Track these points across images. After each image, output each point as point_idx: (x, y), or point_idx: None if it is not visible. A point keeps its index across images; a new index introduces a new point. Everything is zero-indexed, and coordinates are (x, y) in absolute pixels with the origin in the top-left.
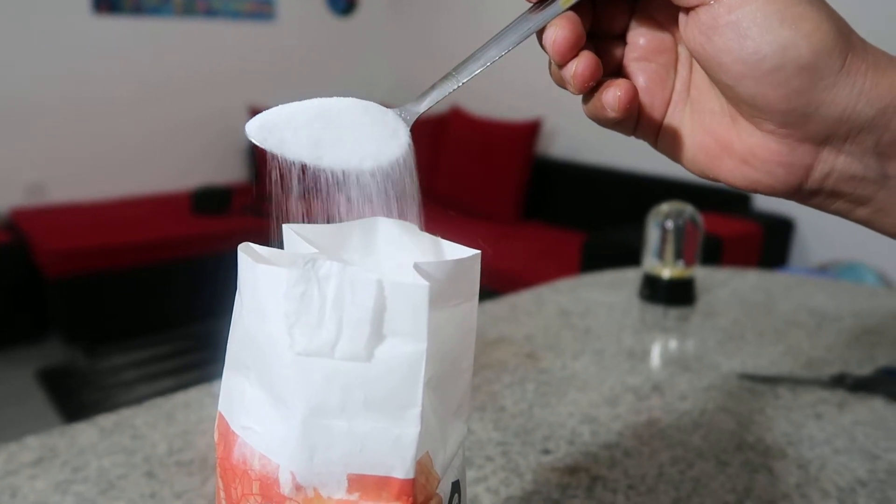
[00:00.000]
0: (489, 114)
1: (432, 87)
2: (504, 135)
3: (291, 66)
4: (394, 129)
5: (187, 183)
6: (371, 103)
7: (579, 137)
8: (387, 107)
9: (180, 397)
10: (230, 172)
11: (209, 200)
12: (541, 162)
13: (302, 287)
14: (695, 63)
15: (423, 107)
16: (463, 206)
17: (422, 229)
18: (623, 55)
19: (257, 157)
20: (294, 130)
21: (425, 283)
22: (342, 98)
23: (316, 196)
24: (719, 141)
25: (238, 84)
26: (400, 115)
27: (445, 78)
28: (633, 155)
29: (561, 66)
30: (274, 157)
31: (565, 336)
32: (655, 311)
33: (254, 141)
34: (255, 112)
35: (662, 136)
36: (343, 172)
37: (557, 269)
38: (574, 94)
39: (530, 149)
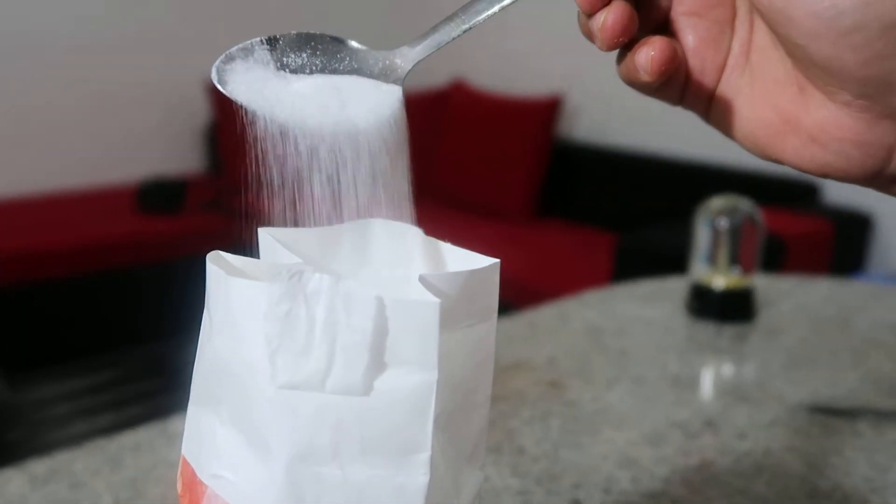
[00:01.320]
0: (499, 88)
1: (432, 30)
2: (517, 114)
3: (257, 30)
4: (383, 75)
5: (131, 174)
6: (354, 43)
7: (609, 116)
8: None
9: (128, 438)
10: (184, 161)
11: (158, 195)
12: (562, 146)
13: (286, 305)
14: (756, 20)
15: (418, 52)
16: (466, 202)
17: (417, 226)
18: (669, 8)
19: (219, 140)
20: (263, 67)
21: (435, 299)
22: (323, 34)
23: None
24: (783, 114)
25: (193, 51)
26: (391, 61)
27: (449, 19)
28: (676, 137)
29: (589, 15)
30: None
31: (596, 360)
32: (706, 329)
33: (217, 84)
34: (213, 87)
35: (715, 107)
36: (310, 130)
37: (584, 278)
38: (602, 50)
39: (549, 130)
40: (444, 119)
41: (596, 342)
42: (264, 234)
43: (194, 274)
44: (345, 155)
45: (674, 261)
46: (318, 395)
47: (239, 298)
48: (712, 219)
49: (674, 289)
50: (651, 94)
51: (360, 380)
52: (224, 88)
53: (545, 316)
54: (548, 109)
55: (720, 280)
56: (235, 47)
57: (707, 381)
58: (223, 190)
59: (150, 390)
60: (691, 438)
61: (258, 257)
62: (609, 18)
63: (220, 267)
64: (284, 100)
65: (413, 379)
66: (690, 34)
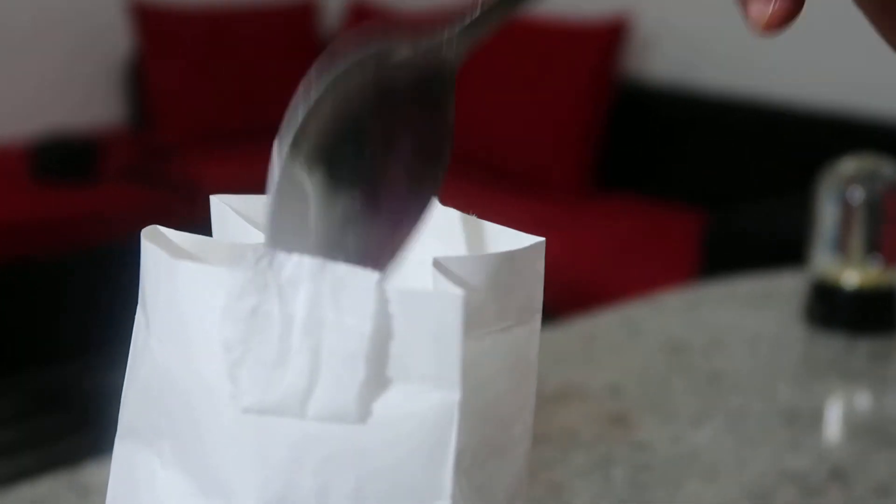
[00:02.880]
0: (538, 11)
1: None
2: (565, 46)
3: None
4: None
5: (22, 129)
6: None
7: (695, 47)
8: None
9: (26, 493)
10: (96, 111)
11: (60, 159)
12: (629, 92)
13: (252, 299)
14: None
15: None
16: (495, 171)
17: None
18: None
19: (145, 82)
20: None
21: (458, 290)
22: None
23: None
24: None
25: None
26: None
27: None
28: (789, 76)
29: None
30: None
31: (677, 387)
32: (832, 344)
33: None
34: (137, 9)
35: None
36: None
37: (660, 274)
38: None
39: (611, 69)
40: (469, 64)
41: (677, 362)
42: (218, 203)
43: (112, 265)
44: None
45: (787, 249)
46: (298, 423)
47: (188, 290)
48: (842, 189)
49: (787, 288)
50: None
51: (353, 402)
52: None
53: (606, 326)
54: (608, 39)
55: (853, 276)
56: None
57: (834, 417)
58: (150, 151)
59: (53, 428)
60: (812, 495)
61: (212, 234)
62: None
63: (158, 247)
64: None
65: (427, 401)
66: None
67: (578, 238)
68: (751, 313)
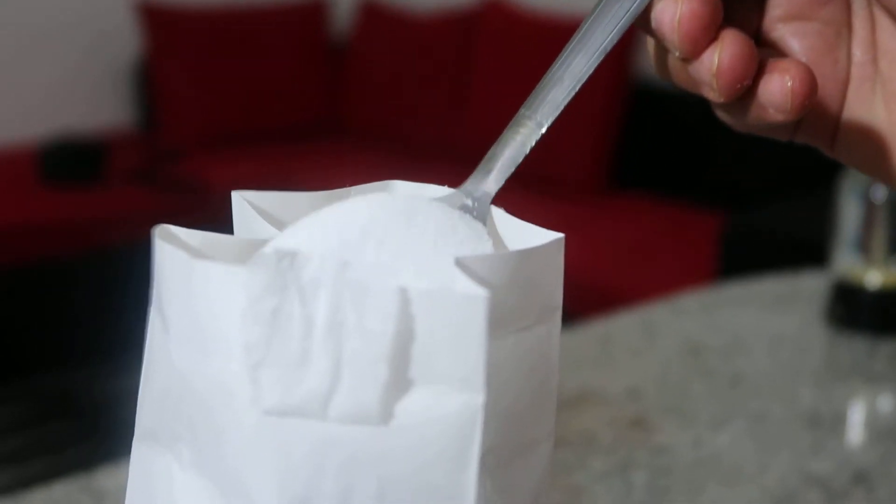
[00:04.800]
0: (551, 6)
1: (498, 145)
2: None
3: None
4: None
5: (30, 132)
6: (422, 203)
7: None
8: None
9: (40, 498)
10: (104, 113)
11: (69, 161)
12: (645, 86)
13: (273, 300)
14: (878, 15)
15: (492, 184)
16: (517, 172)
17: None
18: (759, 18)
19: (153, 84)
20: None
21: (483, 291)
22: (376, 199)
23: None
24: None
25: None
26: (467, 203)
27: (516, 124)
28: None
29: (690, 58)
30: None
31: (697, 390)
32: (855, 346)
33: None
34: (145, 11)
35: (843, 137)
36: None
37: (678, 275)
38: (717, 100)
39: (627, 63)
40: (477, 52)
41: (696, 365)
42: (239, 200)
43: (120, 267)
44: None
45: (807, 249)
46: (319, 425)
47: (206, 290)
48: (864, 187)
49: (808, 289)
50: (760, 133)
51: (376, 404)
52: None
53: (624, 328)
54: (624, 41)
55: (875, 276)
56: None
57: (857, 420)
58: (158, 153)
59: (63, 434)
60: (835, 500)
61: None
62: (725, 59)
63: (174, 246)
64: None
65: (451, 403)
66: (796, 44)
67: (594, 238)
68: (771, 315)
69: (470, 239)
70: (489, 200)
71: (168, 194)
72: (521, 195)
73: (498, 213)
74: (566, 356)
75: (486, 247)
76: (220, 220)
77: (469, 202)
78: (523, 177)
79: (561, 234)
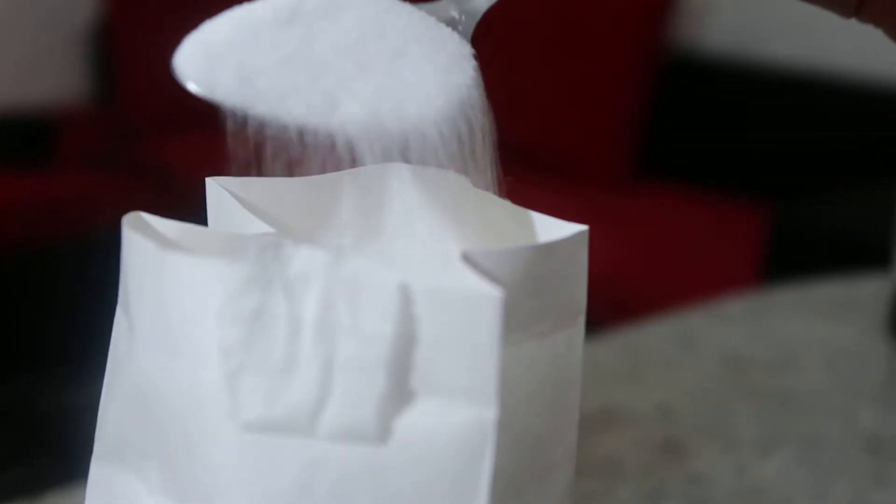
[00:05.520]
0: None
1: None
2: (607, 10)
3: None
4: (447, 43)
5: None
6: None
7: (758, 10)
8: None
9: None
10: (53, 85)
11: (14, 140)
12: (679, 62)
13: (255, 297)
14: None
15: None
16: (526, 157)
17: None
18: None
19: (114, 52)
20: (274, 63)
21: (495, 291)
22: None
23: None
24: None
25: None
26: (454, 15)
27: None
28: (870, 45)
29: None
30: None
31: (740, 410)
32: None
33: (198, 92)
34: None
35: None
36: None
37: (717, 277)
38: None
39: (658, 37)
40: (490, 28)
41: (739, 381)
42: (215, 187)
43: (74, 263)
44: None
45: (868, 249)
46: (307, 443)
47: (179, 287)
48: None
49: (868, 295)
50: (819, 3)
51: (372, 418)
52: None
53: (656, 338)
54: (656, 3)
55: None
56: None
57: None
58: (118, 132)
59: (11, 451)
60: None
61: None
62: None
63: (144, 236)
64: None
65: (458, 418)
66: None
67: (621, 234)
68: (826, 324)
69: (449, 48)
70: (478, 17)
71: (129, 179)
72: (534, 183)
73: (510, 205)
74: (588, 369)
75: (467, 70)
76: (189, 210)
77: (456, 14)
78: (536, 162)
79: (584, 227)
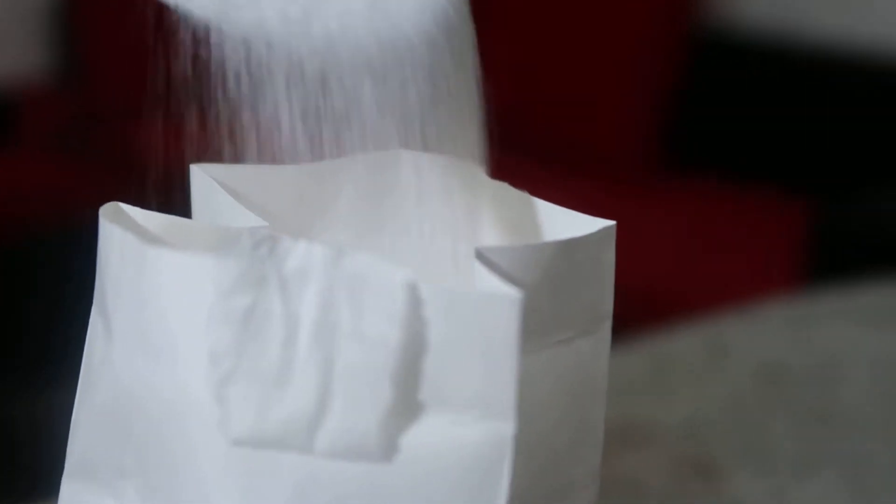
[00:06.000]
0: None
1: None
2: None
3: None
4: None
5: None
6: None
7: None
8: None
9: None
10: (12, 61)
11: None
12: (711, 41)
13: (248, 296)
14: None
15: None
16: (540, 145)
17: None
18: None
19: (77, 26)
20: None
21: (513, 292)
22: None
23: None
24: None
25: None
26: None
27: None
28: None
29: None
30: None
31: (777, 426)
32: None
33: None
34: None
35: None
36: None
37: (752, 279)
38: None
39: (687, 12)
40: (503, 9)
41: (776, 395)
42: (200, 175)
43: (34, 258)
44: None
45: None
46: (303, 460)
47: (163, 285)
48: None
49: None
50: None
51: (375, 433)
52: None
53: (684, 346)
54: None
55: None
56: None
57: None
58: (83, 112)
59: None
60: None
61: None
62: None
63: (124, 228)
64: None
65: (472, 433)
66: None
67: (647, 231)
68: (873, 333)
69: None
70: None
71: (96, 164)
72: (553, 174)
73: (528, 197)
74: (611, 380)
75: None
76: (167, 200)
77: None
78: (555, 152)
79: (611, 222)
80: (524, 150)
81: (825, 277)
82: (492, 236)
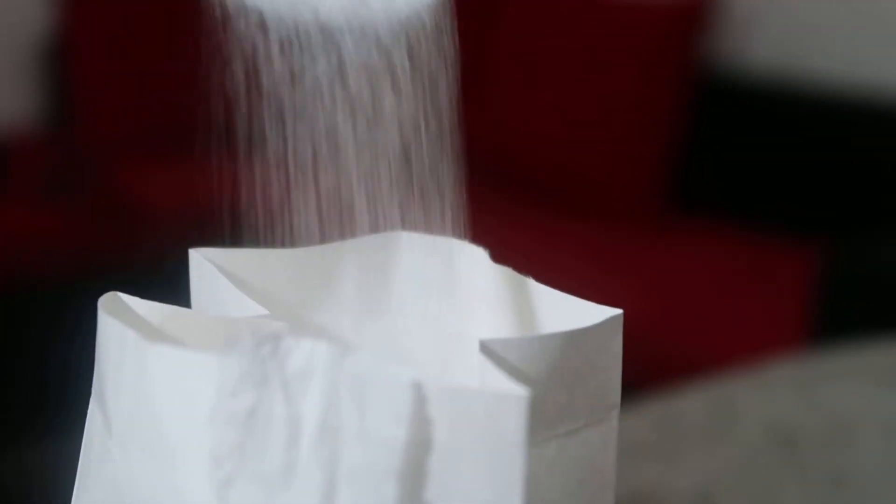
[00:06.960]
0: None
1: None
2: (636, 24)
3: None
4: None
5: None
6: None
7: (804, 25)
8: None
9: None
10: (1, 105)
11: None
12: (717, 83)
13: (251, 397)
14: None
15: None
16: (537, 188)
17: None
18: None
19: (70, 68)
20: None
21: (521, 391)
22: None
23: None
24: None
25: None
26: None
27: None
28: None
29: None
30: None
31: (789, 492)
32: None
33: None
34: None
35: None
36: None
37: (760, 332)
38: None
39: (693, 54)
40: (498, 38)
41: (788, 459)
42: (198, 260)
43: (23, 316)
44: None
45: None
46: None
47: (164, 383)
48: None
49: None
50: None
51: None
52: None
53: (691, 408)
54: (691, 17)
55: None
56: None
57: None
58: (73, 158)
59: None
60: None
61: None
62: None
63: (125, 323)
64: None
65: None
66: None
67: (649, 280)
68: (887, 393)
69: None
70: None
71: (87, 213)
72: (555, 220)
73: (533, 285)
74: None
75: None
76: (159, 253)
77: None
78: (556, 197)
79: (618, 311)
80: (530, 194)
81: (833, 329)
82: (494, 320)
